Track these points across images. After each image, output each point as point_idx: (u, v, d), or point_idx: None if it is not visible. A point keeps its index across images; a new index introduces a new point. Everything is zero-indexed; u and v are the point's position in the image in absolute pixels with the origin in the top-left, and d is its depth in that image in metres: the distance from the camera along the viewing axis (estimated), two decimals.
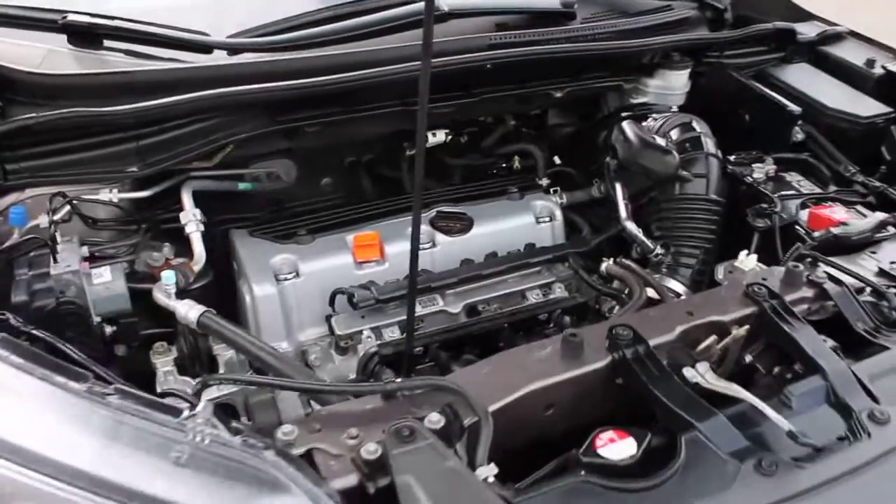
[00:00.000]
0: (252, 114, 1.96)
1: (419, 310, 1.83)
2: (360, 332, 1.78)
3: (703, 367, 1.37)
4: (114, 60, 2.03)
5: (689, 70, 2.34)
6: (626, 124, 2.01)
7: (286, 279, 1.85)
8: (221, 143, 1.94)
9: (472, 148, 2.38)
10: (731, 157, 2.10)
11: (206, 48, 2.05)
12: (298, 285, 1.86)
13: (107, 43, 2.02)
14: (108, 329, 1.73)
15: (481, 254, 1.99)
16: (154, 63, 1.97)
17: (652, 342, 1.38)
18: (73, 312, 1.61)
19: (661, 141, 1.99)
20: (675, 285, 1.88)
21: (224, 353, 1.77)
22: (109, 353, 1.78)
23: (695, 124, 2.09)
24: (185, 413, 1.13)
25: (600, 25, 2.33)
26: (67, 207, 1.76)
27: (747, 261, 1.67)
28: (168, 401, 1.16)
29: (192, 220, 1.88)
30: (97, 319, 1.70)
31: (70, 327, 1.61)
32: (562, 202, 2.20)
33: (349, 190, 2.36)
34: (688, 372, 1.36)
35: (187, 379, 1.74)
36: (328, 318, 1.83)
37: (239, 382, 1.48)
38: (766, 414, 1.26)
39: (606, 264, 1.89)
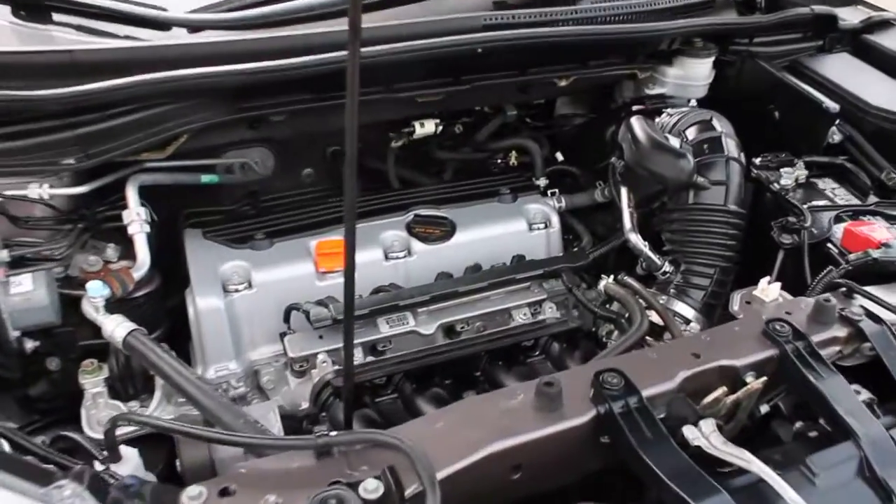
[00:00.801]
0: (209, 100, 1.72)
1: (387, 330, 1.60)
2: (316, 354, 1.55)
3: (708, 425, 1.13)
4: (61, 37, 1.82)
5: (712, 59, 2.06)
6: (634, 121, 1.75)
7: (237, 290, 1.62)
8: (174, 133, 1.72)
9: (467, 140, 2.14)
10: (757, 160, 1.83)
11: (163, 25, 1.83)
12: (250, 298, 1.63)
13: (56, 17, 1.81)
14: (30, 344, 1.52)
15: (463, 265, 1.74)
16: (102, 41, 1.75)
17: (647, 392, 1.13)
18: None
19: (674, 141, 1.72)
20: (684, 309, 1.63)
21: None
22: (35, 370, 1.57)
23: (715, 122, 1.82)
24: (56, 483, 0.91)
25: (613, 6, 2.07)
26: None
27: (769, 290, 1.41)
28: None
29: (135, 219, 1.66)
30: (15, 334, 1.49)
31: None
32: (560, 206, 1.95)
33: (333, 182, 2.13)
34: (689, 431, 1.12)
35: (118, 403, 1.54)
36: (282, 336, 1.60)
37: (147, 426, 1.25)
38: (782, 492, 1.02)
39: (605, 282, 1.64)
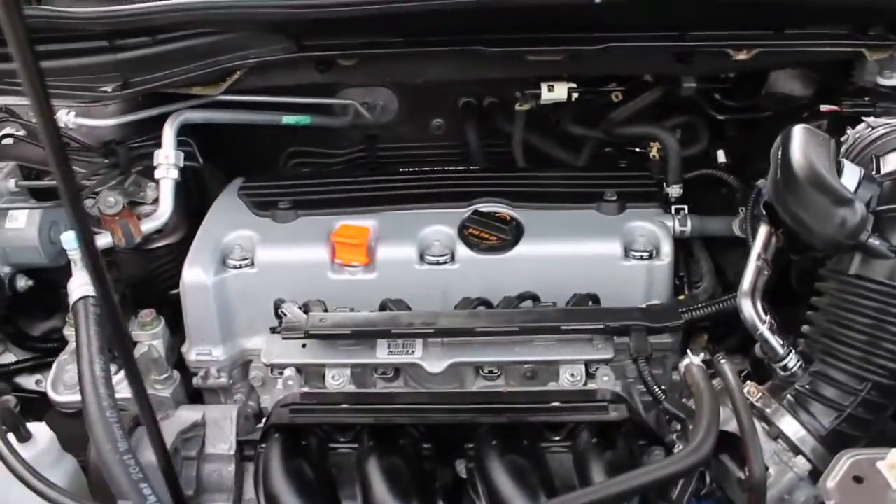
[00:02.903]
0: (264, 34, 1.46)
1: (384, 356, 1.26)
2: (288, 366, 1.27)
3: None
4: None
5: None
6: (797, 131, 1.15)
7: (236, 266, 1.38)
8: (226, 67, 1.49)
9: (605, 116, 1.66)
10: None
11: None
12: (249, 277, 1.37)
13: None
14: (23, 282, 1.43)
15: (516, 288, 1.32)
16: None
17: None
18: None
19: (850, 173, 1.11)
20: (794, 430, 1.07)
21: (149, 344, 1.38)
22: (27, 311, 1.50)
23: None
24: None
25: None
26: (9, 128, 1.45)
27: None
28: None
29: (163, 162, 1.48)
30: (5, 270, 1.40)
31: None
32: (683, 230, 1.41)
33: (464, 137, 1.83)
34: None
35: None
36: (272, 331, 1.33)
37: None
38: None
39: (688, 360, 1.12)
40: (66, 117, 1.47)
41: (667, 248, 1.36)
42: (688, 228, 1.42)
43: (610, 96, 1.69)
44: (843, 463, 0.88)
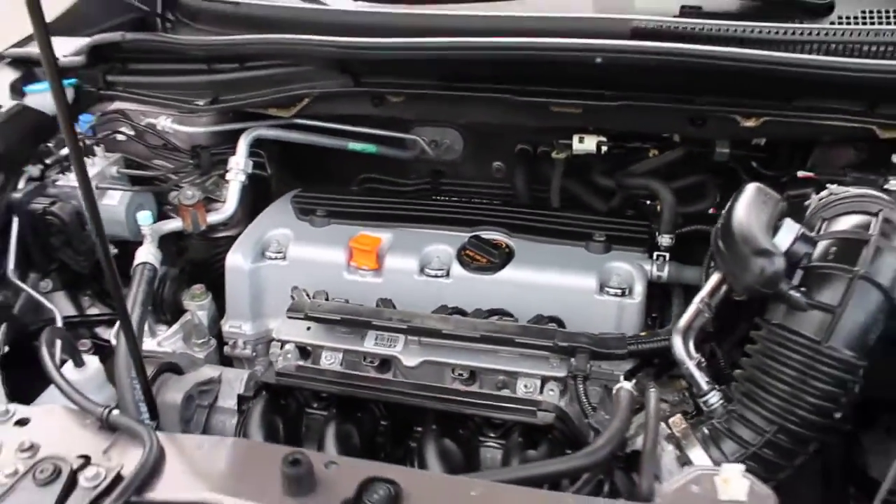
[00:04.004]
0: (328, 69, 1.74)
1: (371, 346, 1.46)
2: (291, 342, 1.50)
3: None
4: None
5: None
6: (749, 188, 1.27)
7: (271, 258, 1.64)
8: (296, 94, 1.78)
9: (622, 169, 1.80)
10: None
11: None
12: (281, 268, 1.63)
13: None
14: (113, 249, 1.76)
15: (499, 307, 1.49)
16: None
17: None
18: (55, 223, 1.65)
19: (788, 232, 1.21)
20: (701, 461, 1.16)
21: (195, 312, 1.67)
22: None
23: (888, 216, 1.21)
24: None
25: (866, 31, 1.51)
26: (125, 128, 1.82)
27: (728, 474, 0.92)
28: None
29: (233, 167, 1.78)
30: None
31: (53, 235, 1.67)
32: (659, 275, 1.52)
33: (512, 180, 2.00)
34: None
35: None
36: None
37: None
38: None
39: (619, 385, 1.25)
40: (164, 122, 1.81)
41: (639, 289, 1.48)
42: (664, 274, 1.53)
43: (645, 152, 1.82)
44: (689, 474, 0.98)
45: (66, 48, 1.86)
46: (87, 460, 1.04)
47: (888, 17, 1.63)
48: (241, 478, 1.02)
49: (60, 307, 1.71)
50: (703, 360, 1.26)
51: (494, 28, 1.64)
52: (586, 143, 1.78)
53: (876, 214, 1.22)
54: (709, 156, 1.74)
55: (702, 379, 1.25)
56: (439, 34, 1.61)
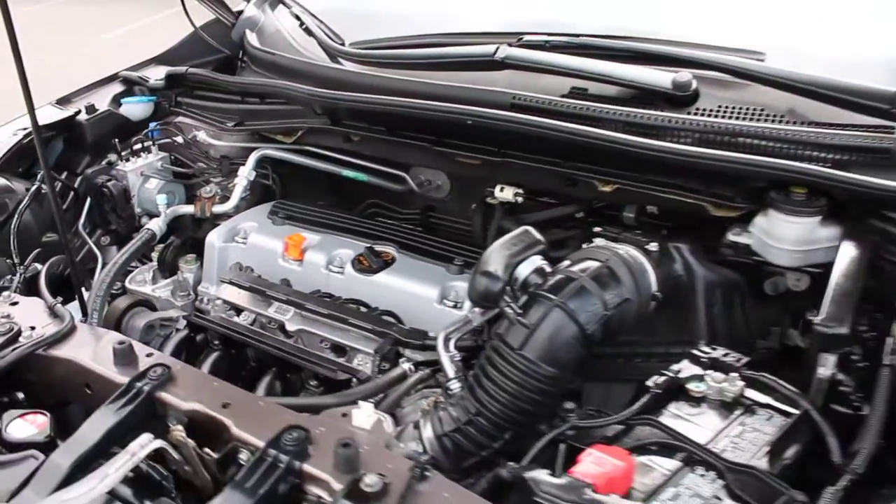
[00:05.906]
0: (310, 110, 2.31)
1: (272, 311, 1.99)
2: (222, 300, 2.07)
3: None
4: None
5: (813, 220, 1.62)
6: (518, 230, 1.65)
7: (237, 242, 2.22)
8: (291, 126, 2.38)
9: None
10: None
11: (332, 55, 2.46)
12: (241, 250, 2.21)
13: None
14: (146, 219, 2.43)
15: (371, 299, 1.96)
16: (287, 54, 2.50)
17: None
18: (107, 195, 2.36)
19: (528, 265, 1.57)
20: (424, 426, 1.56)
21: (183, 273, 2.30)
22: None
23: (616, 270, 1.54)
24: None
25: (718, 125, 1.75)
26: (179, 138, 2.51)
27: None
28: None
29: (240, 175, 2.39)
30: (138, 210, 2.43)
31: (107, 201, 2.38)
32: None
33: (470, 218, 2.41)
34: None
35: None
36: None
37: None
38: None
39: (403, 361, 1.69)
40: (202, 136, 2.48)
41: (467, 305, 1.87)
42: None
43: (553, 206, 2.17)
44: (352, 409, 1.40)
45: (160, 73, 2.61)
46: (32, 329, 1.65)
47: (740, 113, 1.87)
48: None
49: (108, 257, 2.42)
50: (457, 354, 1.66)
51: (424, 91, 2.09)
52: (505, 193, 2.16)
53: (603, 262, 1.57)
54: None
55: (450, 370, 1.64)
56: (391, 93, 2.11)
